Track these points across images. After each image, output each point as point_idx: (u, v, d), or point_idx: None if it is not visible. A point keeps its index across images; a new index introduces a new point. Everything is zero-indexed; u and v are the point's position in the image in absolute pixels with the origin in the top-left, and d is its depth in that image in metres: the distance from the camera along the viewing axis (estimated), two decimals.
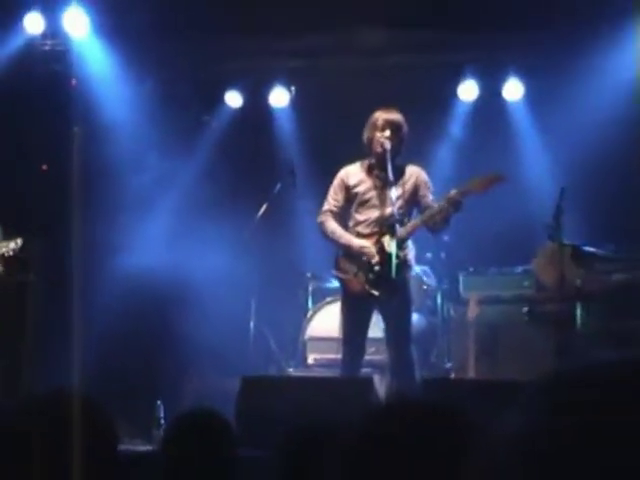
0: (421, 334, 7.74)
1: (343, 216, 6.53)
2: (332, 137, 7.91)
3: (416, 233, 6.52)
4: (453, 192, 6.20)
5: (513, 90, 8.42)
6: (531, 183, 8.02)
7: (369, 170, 6.46)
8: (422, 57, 8.49)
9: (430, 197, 6.41)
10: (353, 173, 6.52)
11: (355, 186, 6.46)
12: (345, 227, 6.50)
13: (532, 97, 8.43)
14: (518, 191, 7.80)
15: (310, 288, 7.86)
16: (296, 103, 8.78)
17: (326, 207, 6.54)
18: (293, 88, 8.70)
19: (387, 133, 6.29)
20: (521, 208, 7.63)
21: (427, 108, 8.29)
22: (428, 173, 6.98)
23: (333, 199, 6.53)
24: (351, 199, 6.47)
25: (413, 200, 6.43)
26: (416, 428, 1.09)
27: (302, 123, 8.79)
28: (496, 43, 8.30)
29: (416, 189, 6.42)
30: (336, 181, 6.56)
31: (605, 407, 0.80)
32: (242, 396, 5.46)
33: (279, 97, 8.75)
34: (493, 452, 0.85)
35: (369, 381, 5.82)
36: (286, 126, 8.86)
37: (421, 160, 7.86)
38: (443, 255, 7.70)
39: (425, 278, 7.75)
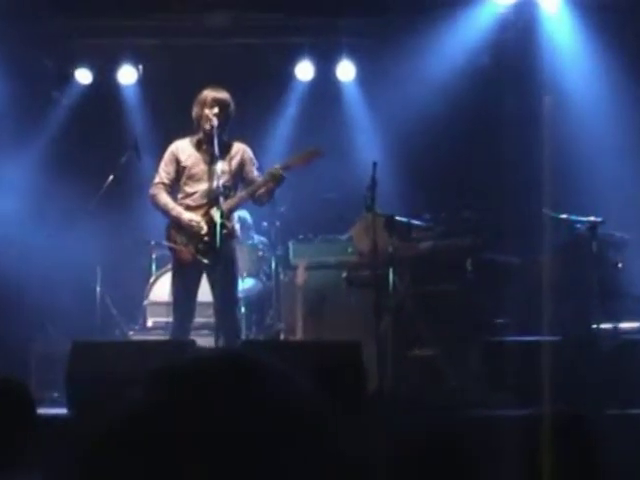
0: (257, 298, 8.29)
1: (174, 188, 6.86)
2: (176, 114, 8.27)
3: (245, 205, 7.07)
4: (274, 168, 6.68)
5: (345, 71, 8.94)
6: (360, 158, 8.51)
7: (198, 145, 6.79)
8: (263, 39, 8.96)
9: (255, 172, 6.84)
10: (183, 147, 6.83)
11: (184, 160, 6.79)
12: (175, 199, 6.85)
13: (362, 78, 8.99)
14: (348, 165, 8.36)
15: (154, 255, 8.24)
16: (143, 81, 9.08)
17: (157, 180, 6.84)
18: (141, 66, 8.98)
19: (215, 110, 6.63)
20: (350, 181, 8.10)
21: (267, 87, 8.82)
22: (266, 147, 7.45)
23: (164, 172, 6.83)
24: (180, 172, 6.80)
25: (239, 175, 6.84)
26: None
27: (148, 100, 9.12)
28: (330, 27, 8.84)
29: (242, 165, 6.82)
30: (167, 155, 6.87)
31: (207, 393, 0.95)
32: (72, 360, 5.65)
33: (127, 75, 9.00)
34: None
35: (191, 343, 6.16)
36: (133, 102, 9.16)
37: (259, 135, 8.38)
38: (278, 224, 8.17)
39: (261, 246, 8.30)
